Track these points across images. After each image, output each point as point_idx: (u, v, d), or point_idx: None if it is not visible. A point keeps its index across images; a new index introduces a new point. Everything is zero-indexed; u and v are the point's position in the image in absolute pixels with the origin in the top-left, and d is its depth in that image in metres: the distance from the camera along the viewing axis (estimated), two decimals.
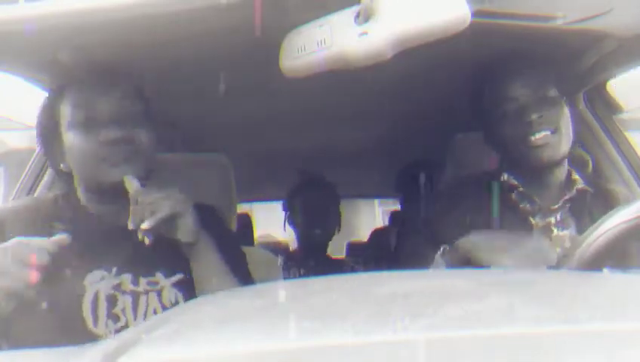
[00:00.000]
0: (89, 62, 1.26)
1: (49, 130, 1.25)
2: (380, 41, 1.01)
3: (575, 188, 1.40)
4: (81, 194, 1.27)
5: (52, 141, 1.25)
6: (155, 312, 1.19)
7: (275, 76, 1.14)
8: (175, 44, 1.20)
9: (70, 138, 1.21)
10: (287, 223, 2.49)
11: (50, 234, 1.12)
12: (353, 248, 3.56)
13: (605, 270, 0.89)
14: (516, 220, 1.39)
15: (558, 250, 1.36)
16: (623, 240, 0.89)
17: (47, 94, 1.32)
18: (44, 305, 1.11)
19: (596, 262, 0.90)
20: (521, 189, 1.40)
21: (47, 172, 1.65)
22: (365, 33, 1.01)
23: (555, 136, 1.36)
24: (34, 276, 1.03)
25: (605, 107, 1.72)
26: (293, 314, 0.62)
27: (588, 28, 1.27)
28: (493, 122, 1.42)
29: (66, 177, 1.28)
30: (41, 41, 1.14)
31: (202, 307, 0.77)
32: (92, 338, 1.14)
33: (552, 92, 1.40)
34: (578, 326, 0.53)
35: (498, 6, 1.17)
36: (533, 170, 1.40)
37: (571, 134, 1.40)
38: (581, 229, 1.37)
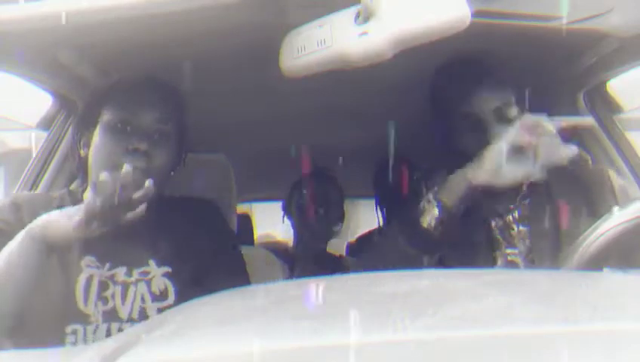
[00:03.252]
0: (141, 72, 1.30)
1: (88, 119, 1.31)
2: (379, 41, 1.01)
3: (526, 184, 1.38)
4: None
5: (86, 128, 1.31)
6: (142, 299, 1.25)
7: (275, 76, 1.14)
8: (175, 44, 1.20)
9: (101, 136, 1.26)
10: (285, 216, 2.43)
11: None
12: (353, 248, 3.55)
13: (605, 270, 0.89)
14: (478, 223, 1.40)
15: (520, 244, 1.38)
16: (623, 240, 0.89)
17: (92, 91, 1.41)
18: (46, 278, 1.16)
19: (596, 262, 0.90)
20: None
21: (47, 172, 1.65)
22: (365, 33, 1.01)
23: None
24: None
25: (605, 107, 1.72)
26: (293, 314, 0.62)
27: (588, 28, 1.27)
28: (453, 125, 1.41)
29: (78, 164, 1.33)
30: (41, 41, 1.14)
31: (202, 307, 0.77)
32: (80, 316, 1.22)
33: (513, 109, 1.37)
34: (578, 326, 0.53)
35: (498, 6, 1.17)
36: None
37: None
38: (540, 221, 1.39)
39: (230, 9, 1.03)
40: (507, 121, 1.35)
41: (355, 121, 2.01)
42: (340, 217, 2.39)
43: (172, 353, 0.57)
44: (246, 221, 2.87)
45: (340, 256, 2.54)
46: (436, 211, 1.29)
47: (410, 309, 0.59)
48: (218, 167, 1.71)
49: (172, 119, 1.30)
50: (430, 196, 1.29)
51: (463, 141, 1.39)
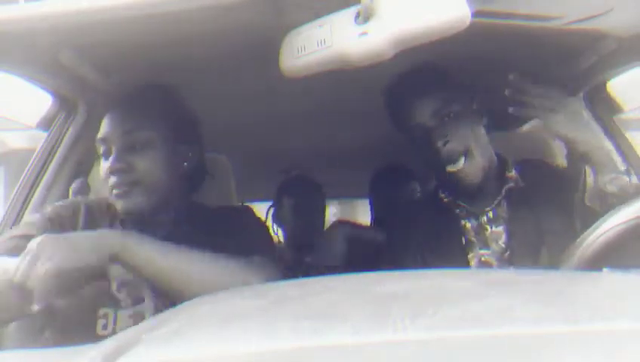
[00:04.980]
0: (116, 89, 1.33)
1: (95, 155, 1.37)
2: (379, 41, 1.01)
3: (504, 188, 1.41)
4: None
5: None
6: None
7: (275, 76, 1.14)
8: (174, 45, 1.20)
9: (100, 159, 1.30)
10: (273, 221, 2.44)
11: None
12: None
13: (605, 270, 0.89)
14: (451, 226, 1.43)
15: (494, 244, 1.39)
16: (623, 240, 0.89)
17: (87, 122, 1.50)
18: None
19: (596, 262, 0.90)
20: (446, 200, 1.45)
21: (47, 172, 1.65)
22: (365, 33, 1.01)
23: (468, 159, 1.35)
24: None
25: (605, 107, 1.72)
26: (293, 314, 0.62)
27: (588, 28, 1.27)
28: (412, 148, 1.45)
29: None
30: (41, 41, 1.14)
31: (202, 307, 0.77)
32: (112, 299, 1.21)
33: (454, 106, 1.37)
34: (578, 326, 0.53)
35: (498, 6, 1.17)
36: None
37: (486, 145, 1.39)
38: (517, 222, 1.39)
39: (230, 9, 1.03)
40: (451, 122, 1.36)
41: (356, 121, 2.01)
42: (322, 223, 2.44)
43: (172, 353, 0.57)
44: None
45: None
46: None
47: (410, 309, 0.59)
48: (218, 167, 1.71)
49: (153, 123, 1.29)
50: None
51: (421, 156, 1.43)
